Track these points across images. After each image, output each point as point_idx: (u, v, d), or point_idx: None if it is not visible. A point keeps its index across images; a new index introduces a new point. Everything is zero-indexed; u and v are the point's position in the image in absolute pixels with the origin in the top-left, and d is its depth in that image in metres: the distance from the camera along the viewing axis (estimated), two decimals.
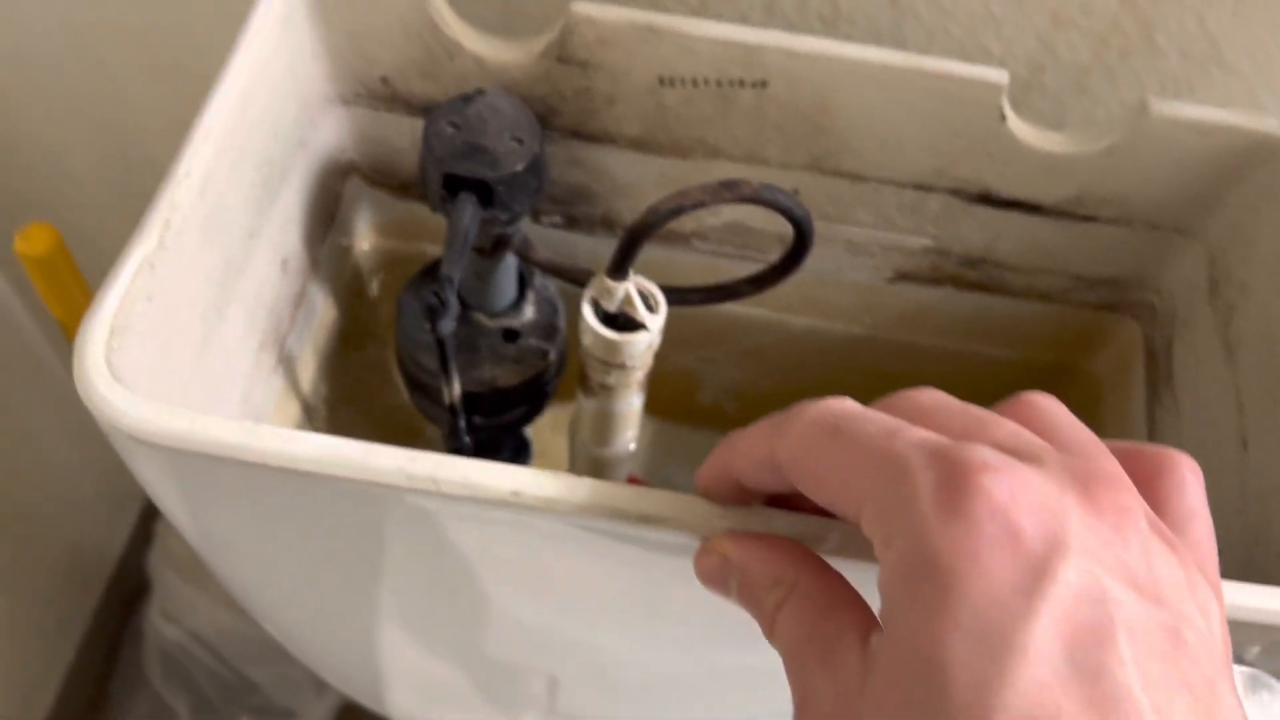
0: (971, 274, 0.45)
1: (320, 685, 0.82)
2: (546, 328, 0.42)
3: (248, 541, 0.34)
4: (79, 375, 0.26)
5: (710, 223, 0.44)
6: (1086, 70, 0.44)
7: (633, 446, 0.41)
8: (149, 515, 0.92)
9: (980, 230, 0.43)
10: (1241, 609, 0.25)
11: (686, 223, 0.44)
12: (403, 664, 0.43)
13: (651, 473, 0.55)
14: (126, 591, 0.91)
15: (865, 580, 0.22)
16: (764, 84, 0.38)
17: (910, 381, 0.51)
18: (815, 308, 0.48)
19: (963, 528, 0.18)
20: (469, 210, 0.35)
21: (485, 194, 0.35)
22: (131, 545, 0.92)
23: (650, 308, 0.35)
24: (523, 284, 0.42)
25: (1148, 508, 0.20)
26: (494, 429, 0.42)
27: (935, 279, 0.45)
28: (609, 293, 0.34)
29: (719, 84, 0.38)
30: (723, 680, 0.37)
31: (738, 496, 0.24)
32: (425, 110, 0.40)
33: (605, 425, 0.40)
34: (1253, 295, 0.38)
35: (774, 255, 0.35)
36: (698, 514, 0.24)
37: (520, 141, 0.35)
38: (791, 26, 0.44)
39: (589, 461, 0.42)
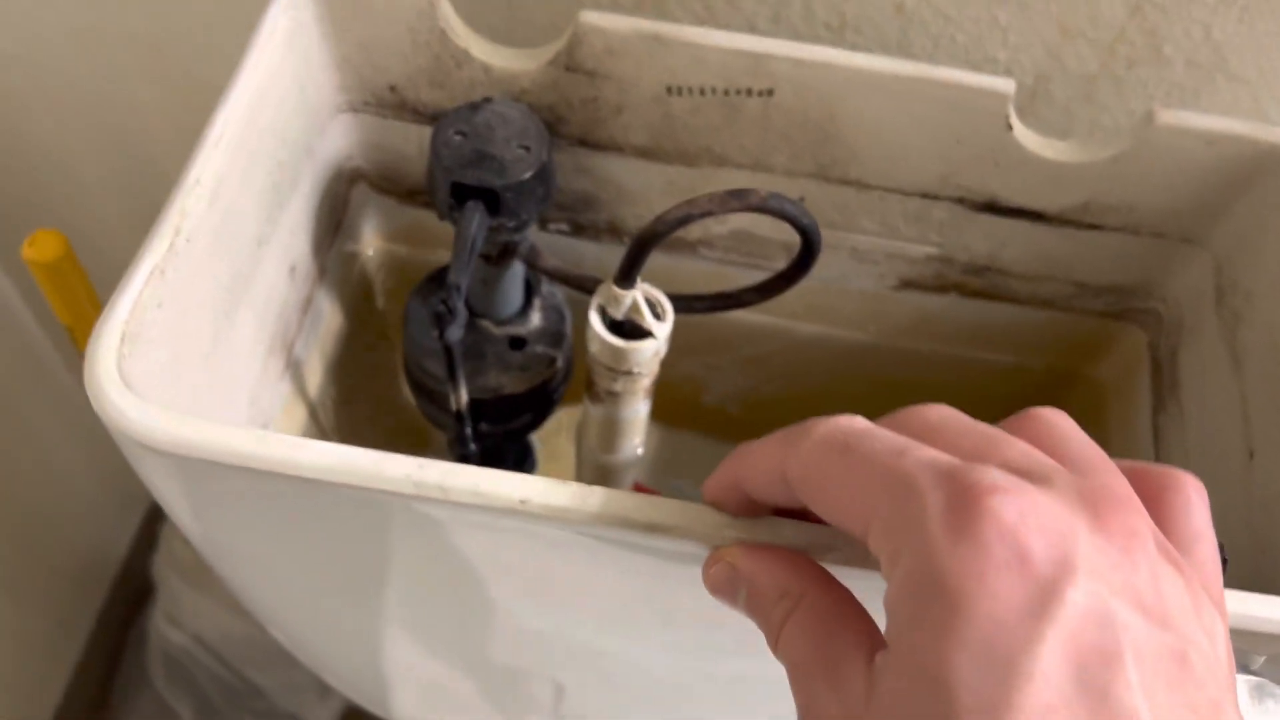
0: (976, 282, 0.45)
1: (324, 689, 0.82)
2: (553, 335, 0.42)
3: (255, 546, 0.34)
4: (90, 382, 0.26)
5: (717, 231, 0.44)
6: (1093, 79, 0.44)
7: (639, 452, 0.42)
8: (153, 519, 0.92)
9: (985, 238, 0.43)
10: (1247, 618, 0.25)
11: (693, 231, 0.44)
12: (407, 669, 0.43)
13: (656, 478, 0.55)
14: (130, 595, 0.91)
15: (872, 591, 0.22)
16: (770, 93, 0.38)
17: (915, 388, 0.51)
18: (820, 315, 0.48)
19: (971, 549, 0.18)
20: (476, 218, 0.35)
21: (493, 202, 0.35)
22: (136, 549, 0.92)
23: (657, 315, 0.36)
24: (529, 291, 0.42)
25: (1156, 529, 0.20)
26: (500, 436, 0.43)
27: (940, 286, 0.45)
28: (616, 300, 0.35)
29: (726, 93, 0.38)
30: (727, 688, 0.37)
31: (746, 509, 0.24)
32: (433, 118, 0.41)
33: (612, 432, 0.40)
34: (1259, 304, 0.38)
35: (779, 263, 0.35)
36: (706, 523, 0.25)
37: (528, 149, 0.36)
38: (798, 35, 0.44)
39: (595, 468, 0.42)
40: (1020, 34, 0.43)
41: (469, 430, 0.40)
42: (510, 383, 0.41)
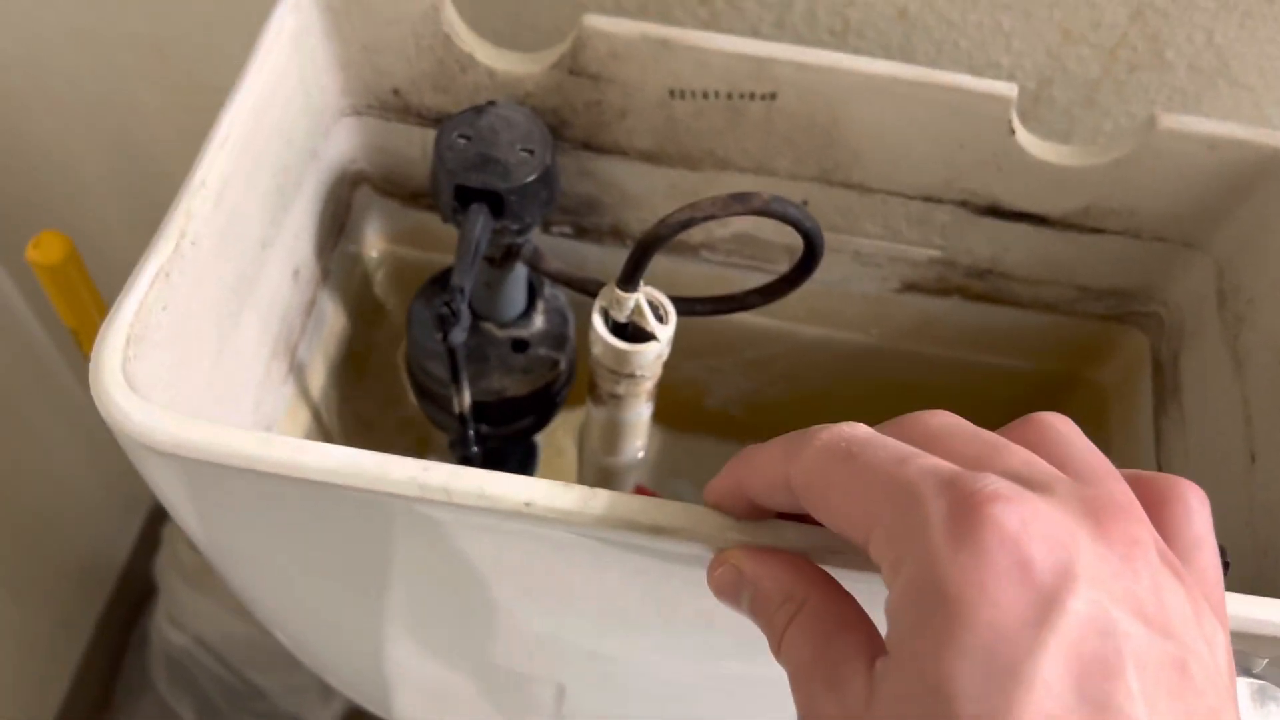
0: (979, 285, 0.45)
1: (326, 691, 0.82)
2: (556, 338, 0.42)
3: (258, 548, 0.34)
4: (95, 385, 0.26)
5: (719, 234, 0.44)
6: (1095, 84, 0.44)
7: (641, 455, 0.42)
8: (155, 521, 0.93)
9: (988, 242, 0.43)
10: (1249, 621, 0.25)
11: (696, 234, 0.44)
12: (410, 670, 0.43)
13: (659, 481, 0.56)
14: (133, 597, 0.91)
15: (874, 596, 0.22)
16: (774, 96, 0.38)
17: (917, 391, 0.51)
18: (823, 318, 0.48)
19: (972, 557, 0.18)
20: (480, 221, 0.35)
21: (496, 205, 0.35)
22: (138, 551, 0.92)
23: (660, 318, 0.36)
24: (533, 294, 0.42)
25: (1158, 538, 0.20)
26: (502, 438, 0.43)
27: (942, 290, 0.46)
28: (619, 303, 0.35)
29: (729, 96, 0.38)
30: (729, 690, 0.37)
31: (749, 513, 0.24)
32: (437, 121, 0.41)
33: (614, 434, 0.40)
34: (1261, 308, 0.38)
35: (782, 266, 0.35)
36: (710, 526, 0.25)
37: (531, 153, 0.36)
38: (801, 40, 0.44)
39: (598, 470, 0.42)
40: (1023, 39, 0.43)
41: (472, 432, 0.40)
42: (513, 385, 0.41)
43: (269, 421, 0.39)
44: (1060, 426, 0.22)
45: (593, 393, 0.39)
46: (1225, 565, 0.23)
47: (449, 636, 0.38)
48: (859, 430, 0.22)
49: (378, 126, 0.41)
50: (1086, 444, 0.22)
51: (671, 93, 0.38)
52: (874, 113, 0.38)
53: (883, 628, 0.20)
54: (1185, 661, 0.18)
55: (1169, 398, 0.43)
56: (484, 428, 0.41)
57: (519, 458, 0.49)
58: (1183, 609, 0.19)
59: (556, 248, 0.45)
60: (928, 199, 0.41)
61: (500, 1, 0.45)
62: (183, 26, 0.52)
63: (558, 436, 0.55)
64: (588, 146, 0.41)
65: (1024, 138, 0.38)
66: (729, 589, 0.24)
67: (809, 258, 0.33)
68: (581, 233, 0.45)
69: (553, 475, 0.26)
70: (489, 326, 0.42)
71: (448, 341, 0.35)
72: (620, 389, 0.37)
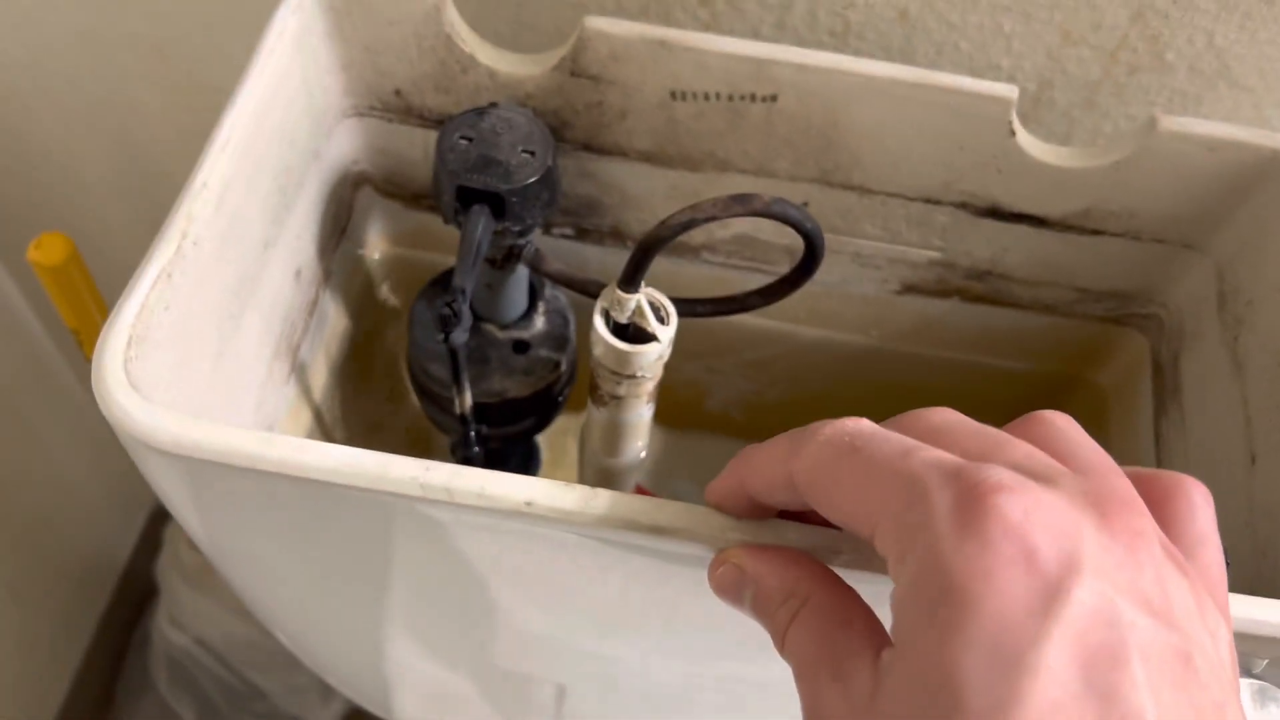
0: (978, 286, 0.45)
1: (326, 692, 0.83)
2: (557, 339, 0.42)
3: (259, 548, 0.34)
4: (98, 385, 0.26)
5: (720, 235, 0.44)
6: (1095, 86, 0.44)
7: (642, 455, 0.42)
8: (157, 521, 0.93)
9: (988, 243, 0.43)
10: (1250, 622, 0.25)
11: (696, 235, 0.44)
12: (410, 671, 0.43)
13: (659, 481, 0.56)
14: (134, 598, 0.91)
15: (878, 594, 0.22)
16: (774, 98, 0.38)
17: (917, 392, 0.52)
18: (823, 319, 0.48)
19: (977, 547, 0.18)
20: (481, 222, 0.35)
21: (498, 206, 0.35)
22: (139, 552, 0.92)
23: (661, 319, 0.36)
24: (534, 295, 0.42)
25: (1160, 531, 0.20)
26: (503, 439, 0.43)
27: (942, 291, 0.46)
28: (620, 304, 0.35)
29: (730, 98, 0.38)
30: (731, 690, 0.37)
31: (751, 512, 0.24)
32: (438, 122, 0.41)
33: (615, 435, 0.40)
34: (1261, 309, 0.39)
35: (782, 267, 0.35)
36: (712, 526, 0.25)
37: (532, 154, 0.36)
38: (802, 41, 0.44)
39: (599, 470, 0.42)
40: (1023, 40, 0.43)
41: (473, 433, 0.40)
42: (514, 386, 0.41)
43: (271, 422, 0.39)
44: (1061, 423, 0.22)
45: (594, 394, 0.39)
46: (1226, 566, 0.23)
47: (449, 636, 0.38)
48: (862, 424, 0.22)
49: (379, 128, 0.42)
50: (1088, 440, 0.22)
51: (672, 94, 0.38)
52: (874, 114, 0.38)
53: (888, 626, 0.20)
54: (1189, 654, 0.18)
55: (1169, 399, 0.43)
56: (485, 429, 0.41)
57: (520, 459, 0.49)
58: (1186, 602, 0.19)
59: (557, 249, 0.45)
60: (928, 200, 0.41)
61: (502, 3, 0.45)
62: (183, 27, 0.52)
63: (559, 438, 0.55)
64: (589, 148, 0.41)
65: (1024, 139, 0.38)
66: (731, 588, 0.24)
67: (809, 259, 0.33)
68: (582, 234, 0.45)
69: (554, 476, 0.26)
70: (490, 328, 0.42)
71: (449, 342, 0.35)
72: (621, 390, 0.37)
